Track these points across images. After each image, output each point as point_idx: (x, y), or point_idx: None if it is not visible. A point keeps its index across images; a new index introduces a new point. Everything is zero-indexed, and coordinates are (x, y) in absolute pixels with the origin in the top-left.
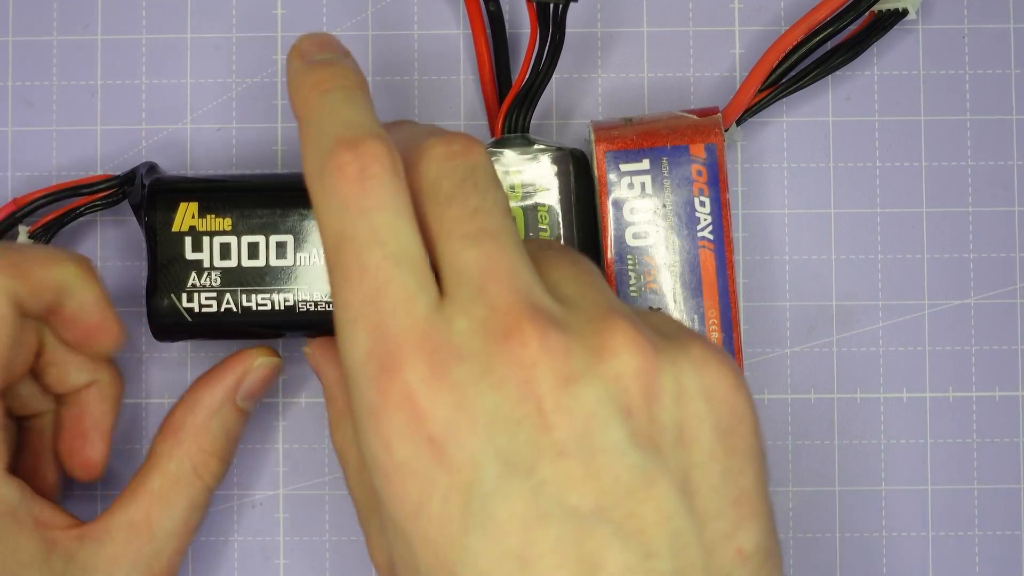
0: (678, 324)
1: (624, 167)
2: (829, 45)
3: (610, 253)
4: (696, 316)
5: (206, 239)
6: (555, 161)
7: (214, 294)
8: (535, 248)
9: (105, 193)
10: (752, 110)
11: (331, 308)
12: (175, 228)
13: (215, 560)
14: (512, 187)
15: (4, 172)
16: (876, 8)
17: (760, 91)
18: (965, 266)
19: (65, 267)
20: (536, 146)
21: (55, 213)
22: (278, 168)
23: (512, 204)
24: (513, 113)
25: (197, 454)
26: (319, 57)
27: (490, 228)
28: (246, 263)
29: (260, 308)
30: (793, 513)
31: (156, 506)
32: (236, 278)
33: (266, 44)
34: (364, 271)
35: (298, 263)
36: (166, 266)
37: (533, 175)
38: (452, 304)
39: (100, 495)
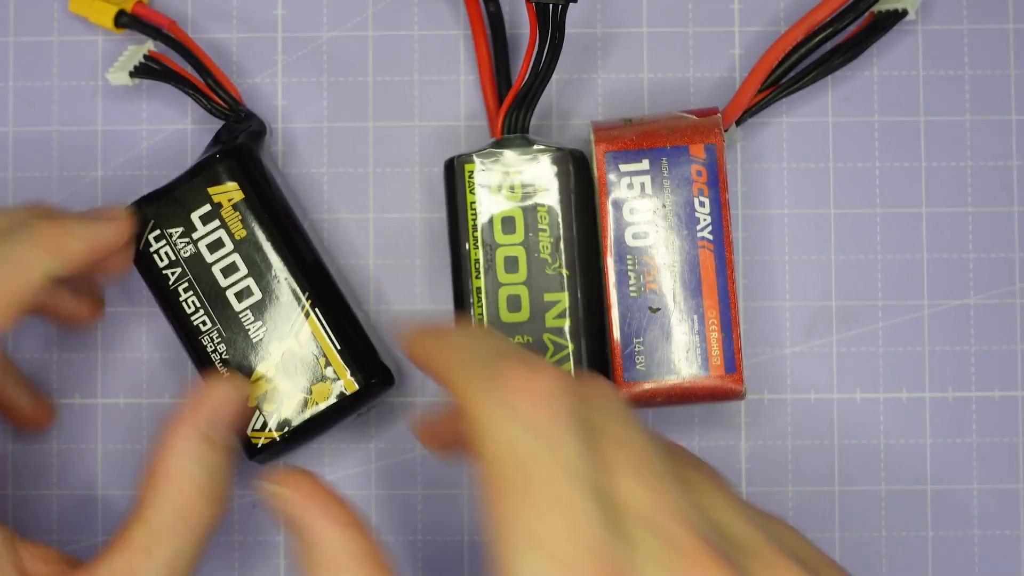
0: (813, 548)
1: (624, 167)
2: (829, 45)
3: (610, 253)
4: (696, 316)
5: None
6: (555, 162)
7: None
8: (679, 469)
9: (222, 105)
10: (752, 110)
11: None
12: None
13: (215, 560)
14: (512, 187)
15: (4, 172)
16: (875, 9)
17: (760, 91)
18: (965, 266)
19: (104, 236)
20: (536, 146)
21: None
22: (279, 167)
23: (511, 205)
24: (513, 113)
25: (179, 499)
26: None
27: (651, 463)
28: None
29: None
30: (793, 513)
31: (139, 558)
32: None
33: (266, 44)
34: (557, 501)
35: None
36: None
37: (533, 175)
38: (628, 535)
39: (238, 541)
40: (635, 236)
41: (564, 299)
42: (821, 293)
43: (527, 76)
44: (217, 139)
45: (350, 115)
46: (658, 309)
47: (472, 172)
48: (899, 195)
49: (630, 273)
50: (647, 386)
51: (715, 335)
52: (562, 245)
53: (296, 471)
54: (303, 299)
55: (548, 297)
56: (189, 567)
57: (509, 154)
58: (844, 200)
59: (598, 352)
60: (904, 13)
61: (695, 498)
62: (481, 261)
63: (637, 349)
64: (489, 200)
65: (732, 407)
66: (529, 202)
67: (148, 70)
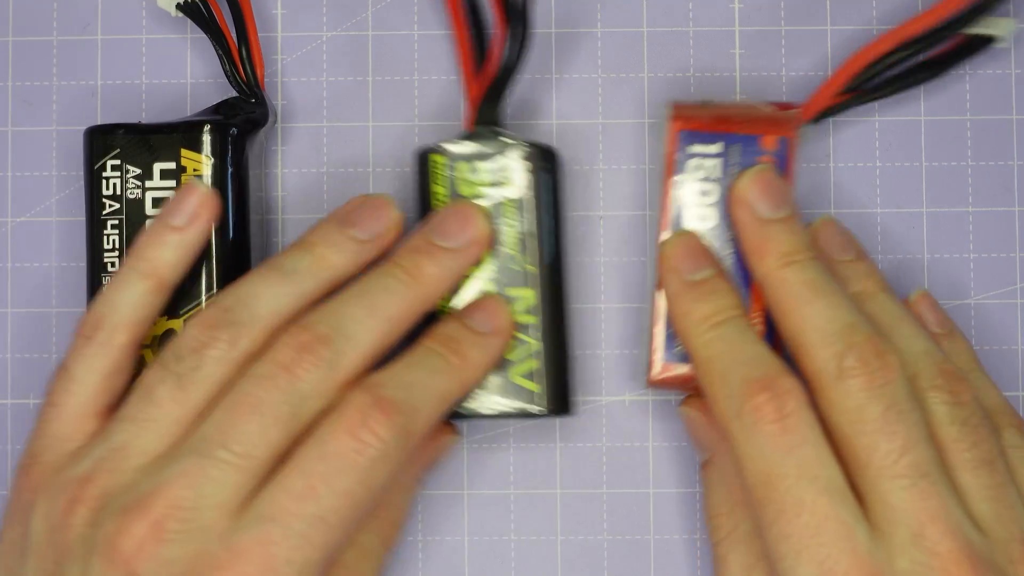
0: None
1: (695, 148)
2: (915, 60)
3: (667, 231)
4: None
5: None
6: (524, 156)
7: None
8: (950, 457)
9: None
10: (830, 112)
11: None
12: None
13: None
14: (480, 181)
15: (4, 172)
16: (967, 31)
17: (840, 94)
18: (965, 266)
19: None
20: (506, 140)
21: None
22: (277, 167)
23: (480, 200)
24: (483, 107)
25: (388, 528)
26: (698, 276)
27: (922, 466)
28: None
29: None
30: None
31: None
32: None
33: (266, 44)
34: (802, 506)
35: None
36: None
37: (502, 169)
38: (890, 543)
39: None
40: (695, 217)
41: (529, 295)
42: None
43: (498, 71)
44: (218, 108)
45: (350, 115)
46: None
47: (441, 164)
48: (899, 195)
49: None
50: (683, 370)
51: (758, 328)
52: (529, 241)
53: (705, 404)
54: (211, 292)
55: (513, 292)
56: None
57: (479, 147)
58: (844, 200)
59: (562, 349)
60: (995, 39)
61: (957, 482)
62: None
63: None
64: (456, 192)
65: None
66: (497, 196)
67: (195, 9)
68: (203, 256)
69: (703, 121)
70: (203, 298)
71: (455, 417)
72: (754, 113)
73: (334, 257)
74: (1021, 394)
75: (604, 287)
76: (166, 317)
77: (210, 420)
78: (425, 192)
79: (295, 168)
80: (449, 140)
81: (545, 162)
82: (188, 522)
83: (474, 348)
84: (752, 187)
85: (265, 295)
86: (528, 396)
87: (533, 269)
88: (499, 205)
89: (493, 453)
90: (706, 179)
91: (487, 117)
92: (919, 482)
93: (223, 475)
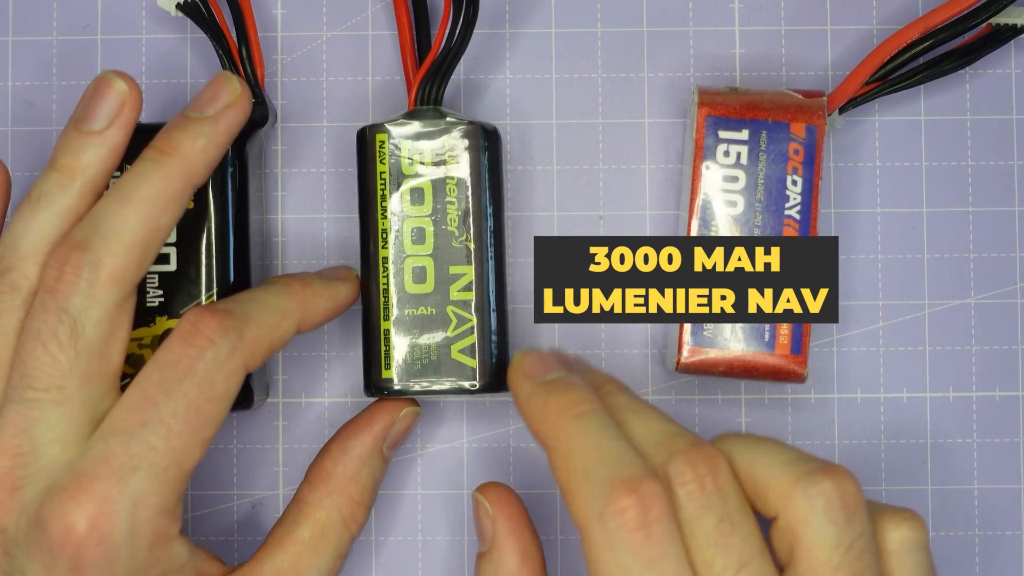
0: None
1: (723, 134)
2: (942, 50)
3: (695, 216)
4: None
5: None
6: (466, 135)
7: None
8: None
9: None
10: (856, 101)
11: None
12: None
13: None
14: (422, 159)
15: None
16: (993, 21)
17: (866, 84)
18: (965, 266)
19: (341, 296)
20: (448, 119)
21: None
22: (277, 167)
23: (421, 176)
24: (426, 85)
25: (347, 505)
26: (550, 377)
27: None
28: None
29: None
30: None
31: (305, 555)
32: None
33: (266, 44)
34: None
35: None
36: None
37: (443, 148)
38: None
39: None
40: (722, 203)
41: (469, 272)
42: None
43: (440, 49)
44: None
45: (350, 114)
46: None
47: (383, 142)
48: (899, 195)
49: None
50: (711, 354)
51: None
52: (470, 219)
53: (507, 489)
54: (212, 292)
55: (453, 270)
56: (340, 570)
57: (420, 125)
58: (844, 200)
59: (501, 327)
60: (1022, 29)
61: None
62: (389, 231)
63: None
64: (399, 171)
65: (735, 407)
66: (438, 174)
67: (195, 9)
68: (203, 256)
69: (731, 107)
70: (203, 298)
71: (396, 395)
72: (782, 100)
73: (79, 161)
74: (1021, 394)
75: None
76: (166, 316)
77: (13, 367)
78: (368, 170)
79: (295, 168)
80: (391, 119)
81: (487, 141)
82: (32, 464)
83: (316, 283)
84: (525, 358)
85: (25, 231)
86: (466, 372)
87: (472, 246)
88: (440, 183)
89: (493, 453)
90: (735, 165)
91: (429, 96)
92: None
93: (42, 413)
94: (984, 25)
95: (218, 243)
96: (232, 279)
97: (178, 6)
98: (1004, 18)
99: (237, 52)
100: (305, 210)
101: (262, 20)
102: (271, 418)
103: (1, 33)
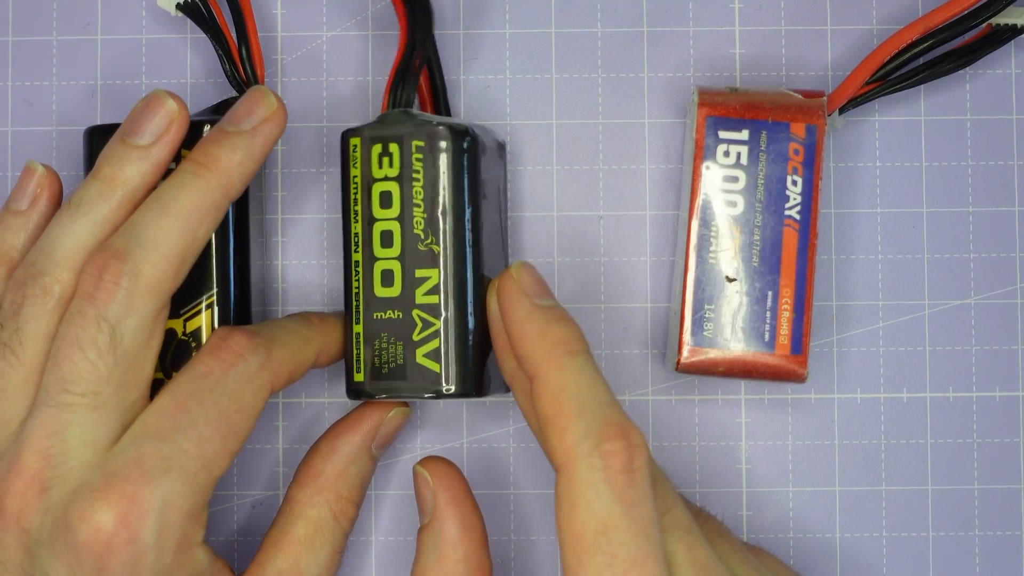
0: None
1: (723, 134)
2: (942, 50)
3: (695, 217)
4: (770, 292)
5: None
6: (433, 136)
7: None
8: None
9: None
10: (856, 101)
11: None
12: None
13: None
14: (391, 162)
15: (4, 172)
16: (993, 21)
17: (866, 84)
18: (965, 266)
19: (310, 352)
20: (416, 121)
21: None
22: (277, 167)
23: (389, 179)
24: (396, 89)
25: (336, 501)
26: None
27: (686, 524)
28: None
29: None
30: (793, 513)
31: (303, 554)
32: None
33: (266, 44)
34: (632, 564)
35: None
36: None
37: (410, 149)
38: None
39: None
40: (723, 203)
41: (435, 275)
42: (821, 293)
43: (403, 53)
44: (218, 108)
45: (350, 115)
46: (734, 279)
47: (356, 145)
48: (899, 195)
49: (712, 239)
50: (711, 354)
51: (787, 314)
52: (435, 221)
53: (447, 463)
54: (212, 292)
55: (419, 273)
56: (339, 566)
57: (390, 128)
58: (844, 200)
59: (464, 330)
60: (1022, 29)
61: (715, 551)
62: (360, 234)
63: (707, 316)
64: (368, 173)
65: (735, 407)
66: (406, 177)
67: (195, 9)
68: (203, 256)
69: (731, 107)
70: (203, 298)
71: (369, 397)
72: (782, 100)
73: (122, 173)
74: (1021, 394)
75: (603, 287)
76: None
77: (47, 371)
78: (344, 174)
79: (295, 168)
80: (367, 123)
81: (456, 141)
82: (62, 466)
83: (333, 319)
84: (523, 273)
85: (61, 236)
86: (431, 377)
87: (437, 249)
88: (408, 185)
89: (493, 453)
90: (735, 165)
91: (400, 99)
92: (692, 542)
93: (77, 416)
94: (984, 25)
95: (218, 243)
96: (232, 279)
97: (178, 6)
98: (1004, 18)
99: (237, 52)
100: (305, 210)
101: (262, 20)
102: (271, 418)
103: (1, 33)
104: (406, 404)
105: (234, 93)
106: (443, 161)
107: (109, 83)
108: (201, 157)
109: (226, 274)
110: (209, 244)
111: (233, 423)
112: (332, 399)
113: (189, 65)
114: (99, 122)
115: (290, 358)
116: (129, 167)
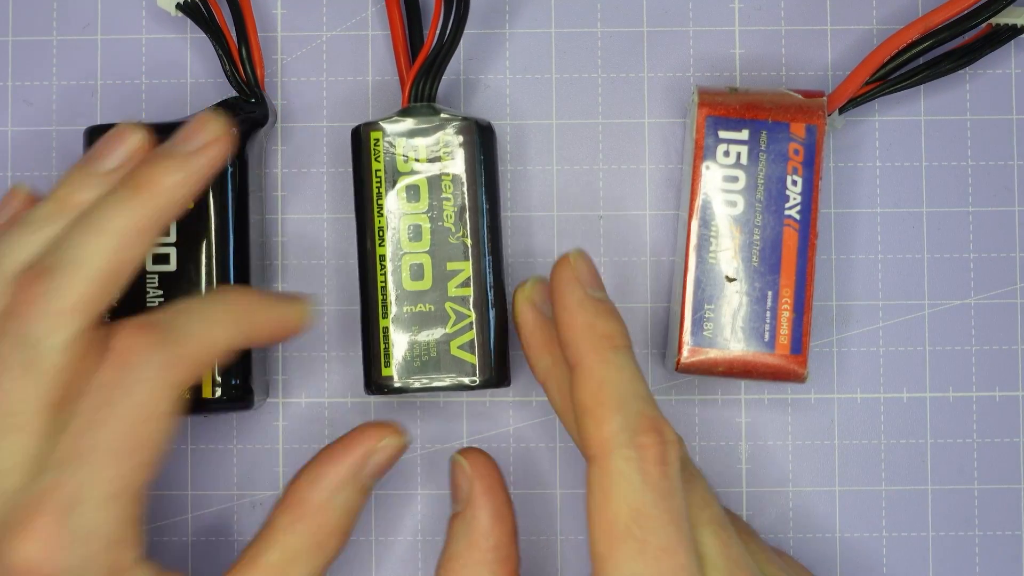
0: None
1: (723, 134)
2: (942, 50)
3: (695, 217)
4: (770, 292)
5: None
6: (460, 131)
7: None
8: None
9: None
10: (856, 101)
11: None
12: None
13: (215, 560)
14: (417, 156)
15: (4, 172)
16: (994, 21)
17: (866, 84)
18: (965, 266)
19: (287, 317)
20: (442, 115)
21: None
22: (277, 167)
23: (416, 173)
24: (419, 82)
25: (318, 531)
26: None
27: (722, 520)
28: None
29: None
30: (793, 513)
31: None
32: None
33: (266, 44)
34: (664, 552)
35: None
36: None
37: (438, 144)
38: None
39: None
40: (723, 203)
41: (467, 268)
42: (821, 293)
43: (433, 46)
44: (217, 108)
45: (350, 114)
46: (734, 279)
47: (378, 140)
48: (899, 195)
49: (712, 239)
50: (711, 354)
51: (786, 314)
52: (466, 215)
53: (485, 454)
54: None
55: (451, 266)
56: None
57: (415, 122)
58: (844, 200)
59: (500, 323)
60: (1022, 29)
61: (747, 549)
62: (386, 229)
63: (706, 315)
64: (394, 168)
65: (735, 407)
66: (434, 171)
67: (195, 9)
68: (203, 256)
69: (731, 107)
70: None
71: (397, 392)
72: (782, 100)
73: (78, 196)
74: (1021, 394)
75: None
76: None
77: None
78: (364, 168)
79: (295, 168)
80: (386, 117)
81: (481, 136)
82: None
83: (259, 298)
84: (579, 261)
85: (9, 251)
86: (466, 368)
87: (469, 242)
88: (436, 179)
89: (493, 453)
90: (735, 165)
91: (423, 93)
92: (721, 532)
93: (1, 440)
94: (984, 25)
95: (218, 243)
96: (232, 279)
97: (178, 6)
98: (1004, 18)
99: (237, 52)
100: (305, 210)
101: (262, 20)
102: (271, 418)
103: (1, 33)
104: (400, 432)
105: (234, 93)
106: (473, 155)
107: (109, 83)
108: (138, 178)
109: (225, 275)
110: (208, 244)
111: (143, 434)
112: (332, 399)
113: (189, 65)
114: (99, 122)
115: (196, 346)
116: (85, 192)
